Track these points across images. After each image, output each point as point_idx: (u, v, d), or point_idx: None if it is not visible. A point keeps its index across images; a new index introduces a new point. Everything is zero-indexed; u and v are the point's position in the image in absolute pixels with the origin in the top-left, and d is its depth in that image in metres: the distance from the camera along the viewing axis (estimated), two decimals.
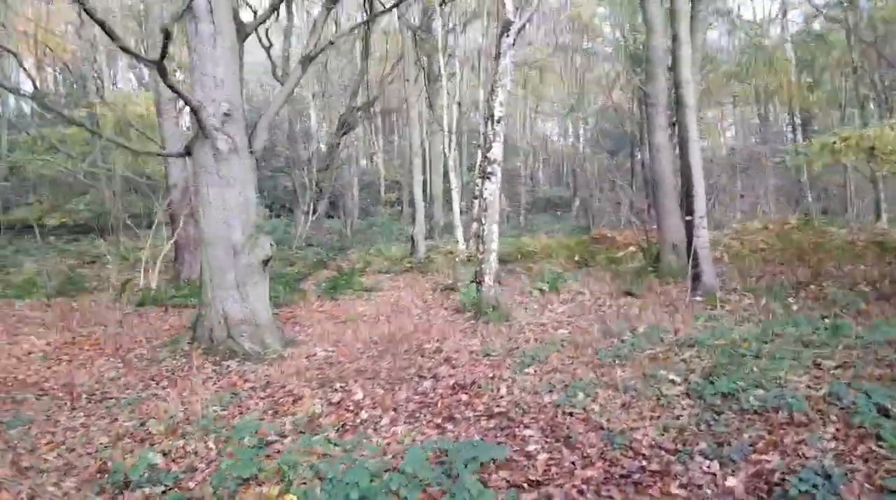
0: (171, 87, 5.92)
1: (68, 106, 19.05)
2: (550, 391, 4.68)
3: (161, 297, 9.72)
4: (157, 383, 5.40)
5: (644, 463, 3.30)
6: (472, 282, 8.77)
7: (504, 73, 8.88)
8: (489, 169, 8.68)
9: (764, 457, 3.26)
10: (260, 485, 3.04)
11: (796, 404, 3.93)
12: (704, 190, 9.75)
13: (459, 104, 21.77)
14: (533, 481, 3.14)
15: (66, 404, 4.87)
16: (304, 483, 3.02)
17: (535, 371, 5.37)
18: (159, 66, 5.48)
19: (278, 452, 3.65)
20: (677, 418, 3.95)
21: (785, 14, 18.98)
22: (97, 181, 18.81)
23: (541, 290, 10.88)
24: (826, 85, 21.30)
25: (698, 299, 9.21)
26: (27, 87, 28.61)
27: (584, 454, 3.47)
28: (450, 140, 18.94)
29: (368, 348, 6.70)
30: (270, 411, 4.54)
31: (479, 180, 9.36)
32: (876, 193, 16.91)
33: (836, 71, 20.22)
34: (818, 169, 12.52)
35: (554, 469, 3.29)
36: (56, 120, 19.19)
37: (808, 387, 4.39)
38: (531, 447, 3.60)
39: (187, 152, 6.70)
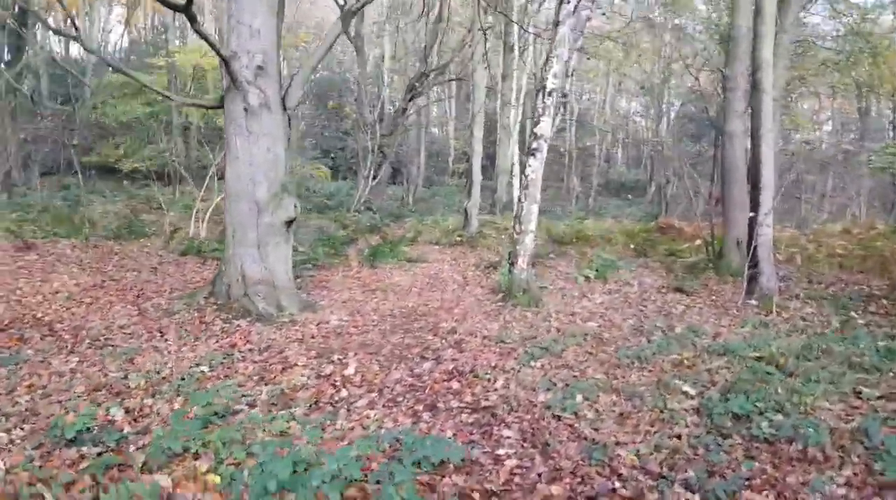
0: (199, 33, 5.81)
1: (149, 54, 19.70)
2: (548, 390, 4.36)
3: (204, 248, 9.91)
4: (162, 336, 5.43)
5: (617, 485, 2.96)
6: (508, 263, 8.43)
7: (561, 42, 8.34)
8: (534, 145, 8.24)
9: (755, 498, 2.85)
10: (197, 459, 2.92)
11: (814, 436, 3.45)
12: (774, 184, 8.93)
13: (534, 76, 21.06)
14: (487, 491, 2.87)
15: (66, 347, 4.97)
16: (237, 464, 2.88)
17: (543, 365, 5.05)
18: (187, 12, 5.38)
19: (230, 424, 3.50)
20: (676, 437, 3.56)
21: None
22: (173, 130, 19.50)
23: (587, 277, 10.40)
24: None
25: (753, 302, 8.52)
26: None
27: (557, 467, 3.16)
28: (518, 112, 18.33)
29: (384, 321, 6.54)
30: (256, 378, 4.44)
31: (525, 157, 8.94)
32: None
33: None
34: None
35: (517, 480, 3.01)
36: (140, 66, 19.97)
37: (839, 418, 3.89)
38: (502, 451, 3.32)
39: (220, 104, 6.63)
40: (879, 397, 4.23)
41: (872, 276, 11.33)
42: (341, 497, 2.50)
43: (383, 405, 3.92)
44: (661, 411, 3.96)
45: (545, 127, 8.40)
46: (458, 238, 15.52)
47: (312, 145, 29.76)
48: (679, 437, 3.54)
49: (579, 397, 4.18)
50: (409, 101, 22.89)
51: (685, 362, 5.22)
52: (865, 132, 22.62)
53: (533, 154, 8.28)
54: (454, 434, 3.49)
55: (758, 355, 5.22)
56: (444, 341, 5.80)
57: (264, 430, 3.32)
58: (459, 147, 33.46)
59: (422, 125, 29.70)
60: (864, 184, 21.13)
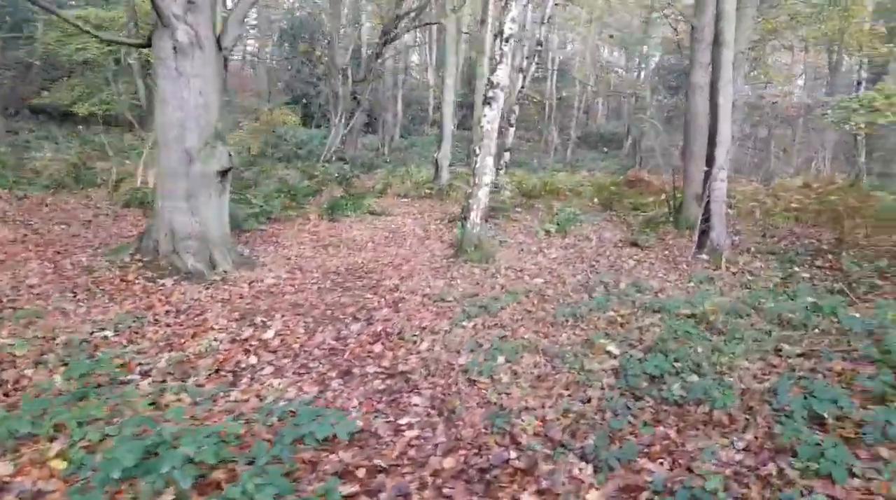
0: None
1: None
2: (472, 351, 4.29)
3: (148, 199, 9.60)
4: (74, 296, 5.21)
5: (513, 455, 2.91)
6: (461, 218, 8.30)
7: None
8: (490, 93, 7.97)
9: (649, 466, 2.82)
10: (52, 441, 2.77)
11: (721, 399, 3.43)
12: (730, 138, 8.79)
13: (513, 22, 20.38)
14: (375, 467, 2.80)
15: None
16: (90, 447, 2.74)
17: (476, 325, 4.97)
18: None
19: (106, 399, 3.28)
20: (587, 401, 3.52)
21: None
22: (133, 72, 18.68)
23: (547, 231, 10.33)
24: None
25: (703, 257, 8.52)
26: None
27: (456, 437, 3.10)
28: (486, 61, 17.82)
29: (325, 278, 6.40)
30: (163, 343, 4.29)
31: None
32: None
33: None
34: (858, 127, 11.18)
35: (411, 453, 2.94)
36: (97, 2, 18.95)
37: (755, 377, 3.87)
38: (405, 421, 3.25)
39: (148, 42, 6.22)
40: (799, 355, 4.23)
41: (826, 230, 11.39)
42: (195, 483, 2.37)
43: (294, 372, 3.82)
44: (580, 373, 3.92)
45: (502, 75, 8.11)
46: (428, 191, 15.31)
47: (283, 91, 28.94)
48: (590, 400, 3.49)
49: (501, 359, 4.12)
50: (384, 45, 22.21)
51: (619, 319, 5.19)
52: (835, 87, 22.44)
53: (489, 103, 8.02)
54: (360, 403, 3.41)
55: (690, 312, 5.19)
56: (382, 299, 5.70)
57: (151, 405, 3.18)
58: (439, 96, 32.63)
59: (399, 71, 28.90)
60: (829, 138, 21.09)
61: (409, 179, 16.58)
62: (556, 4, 18.91)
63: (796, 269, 7.74)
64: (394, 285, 6.21)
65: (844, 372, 3.92)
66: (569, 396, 3.59)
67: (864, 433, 3.06)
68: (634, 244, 9.44)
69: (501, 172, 16.76)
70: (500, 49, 8.15)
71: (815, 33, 18.45)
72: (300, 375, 3.79)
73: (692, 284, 7.04)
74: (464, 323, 4.95)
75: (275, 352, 4.17)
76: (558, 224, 10.53)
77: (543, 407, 3.42)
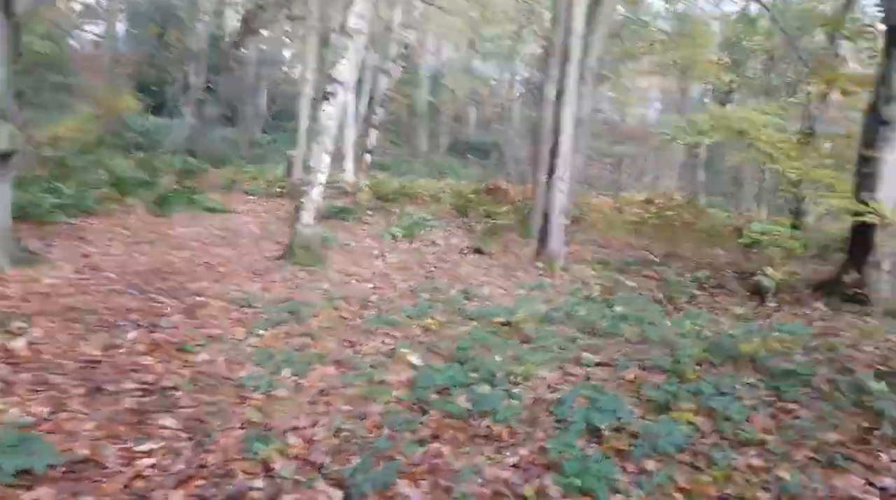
0: None
1: None
2: (259, 363, 3.89)
3: None
4: None
5: (258, 485, 2.54)
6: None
7: None
8: (330, 88, 7.59)
9: (406, 489, 2.57)
10: None
11: (505, 411, 3.29)
12: (570, 150, 9.05)
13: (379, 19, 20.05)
14: None
15: None
16: None
17: (278, 333, 4.56)
18: None
19: None
20: (364, 417, 3.24)
21: None
22: None
23: (394, 235, 10.11)
24: (747, 69, 21.01)
25: (540, 264, 8.69)
26: None
27: (201, 464, 2.68)
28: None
29: (121, 279, 5.69)
30: None
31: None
32: (760, 181, 16.97)
33: (758, 56, 19.90)
34: (684, 146, 12.06)
35: (138, 485, 2.46)
36: None
37: (549, 387, 3.80)
38: (145, 447, 2.77)
39: None
40: (598, 364, 4.25)
41: (661, 242, 12.16)
42: None
43: (28, 389, 3.21)
44: (370, 386, 3.65)
45: (343, 70, 7.76)
46: (280, 189, 14.60)
47: (132, 76, 26.67)
48: (365, 417, 3.21)
49: (287, 372, 3.75)
50: (245, 35, 21.10)
51: (434, 327, 5.00)
52: (684, 110, 24.36)
53: (327, 98, 7.63)
54: (97, 426, 2.90)
55: (505, 320, 5.13)
56: (179, 304, 5.12)
57: None
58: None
59: (264, 63, 27.58)
60: (676, 158, 22.86)
61: (262, 176, 15.74)
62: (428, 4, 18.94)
63: (622, 278, 8.05)
64: (200, 289, 5.65)
65: (636, 381, 3.96)
66: (348, 412, 3.29)
67: (636, 446, 3.03)
68: (478, 251, 9.46)
69: (360, 174, 16.41)
70: (343, 43, 7.80)
71: (668, 59, 19.84)
72: (35, 392, 3.19)
73: (523, 291, 7.08)
74: (261, 331, 4.52)
75: (17, 364, 3.52)
76: (406, 229, 10.35)
77: (315, 426, 3.10)
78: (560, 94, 8.95)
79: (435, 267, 8.09)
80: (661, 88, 27.79)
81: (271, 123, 27.81)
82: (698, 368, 4.10)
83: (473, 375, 3.78)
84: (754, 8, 19.99)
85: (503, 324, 5.06)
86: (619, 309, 6.14)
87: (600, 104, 25.59)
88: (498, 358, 4.03)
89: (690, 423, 3.32)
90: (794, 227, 16.12)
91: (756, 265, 8.47)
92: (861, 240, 7.47)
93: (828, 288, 7.88)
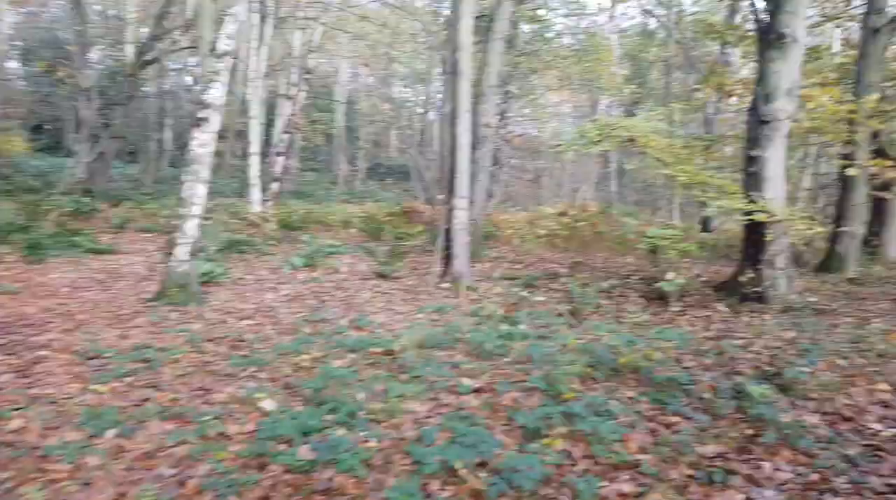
0: None
1: None
2: (79, 426, 3.35)
3: None
4: None
5: None
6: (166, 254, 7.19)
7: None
8: (202, 114, 7.08)
9: None
10: None
11: (351, 459, 2.89)
12: (468, 167, 8.84)
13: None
14: None
15: None
16: None
17: (118, 387, 4.00)
18: None
19: None
20: (183, 483, 2.77)
21: (613, 4, 18.87)
22: None
23: (294, 265, 9.59)
24: (649, 81, 21.73)
25: (445, 286, 8.38)
26: None
27: None
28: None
29: None
30: None
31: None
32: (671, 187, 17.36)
33: (657, 68, 20.59)
34: (573, 156, 12.15)
35: None
36: None
37: (416, 422, 3.43)
38: None
39: None
40: (476, 390, 3.92)
41: (573, 254, 12.13)
42: None
43: None
44: (208, 441, 3.18)
45: (216, 94, 7.26)
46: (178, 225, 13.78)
47: (27, 115, 25.10)
48: (184, 484, 2.75)
49: (111, 434, 3.23)
50: (141, 67, 20.13)
51: (307, 364, 4.56)
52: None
53: (199, 125, 7.11)
54: None
55: (385, 349, 4.74)
56: (16, 361, 4.48)
57: None
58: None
59: (168, 95, 26.49)
60: (592, 170, 23.27)
61: (160, 214, 14.87)
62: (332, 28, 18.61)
63: (530, 293, 7.82)
64: (47, 341, 5.00)
65: (513, 405, 3.65)
66: (169, 478, 2.81)
67: (492, 484, 2.69)
68: (382, 276, 9.07)
69: (268, 203, 15.78)
70: (214, 66, 7.33)
71: (573, 74, 20.18)
72: None
73: (421, 315, 6.73)
74: (99, 386, 3.96)
75: None
76: (308, 257, 9.86)
77: (123, 498, 2.61)
78: (454, 111, 8.75)
79: (331, 296, 7.63)
80: (573, 103, 28.39)
81: (178, 157, 26.66)
82: (579, 385, 3.83)
83: (329, 417, 3.37)
84: (652, 22, 20.81)
85: (384, 354, 4.67)
86: (521, 327, 5.91)
87: (517, 120, 25.92)
88: (361, 395, 3.63)
89: (562, 449, 3.02)
90: (704, 229, 16.67)
91: (662, 271, 8.45)
92: (754, 239, 7.54)
93: (728, 288, 7.92)
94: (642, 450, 3.08)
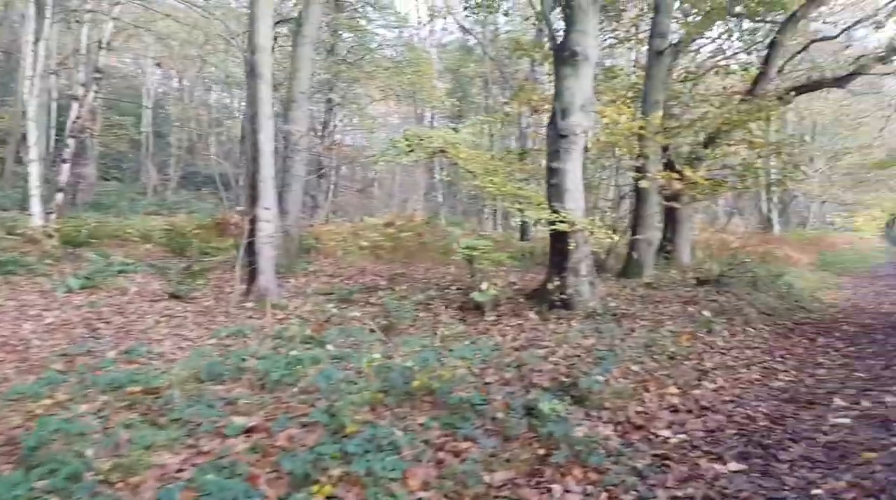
0: None
1: None
2: None
3: None
4: None
5: None
6: None
7: None
8: None
9: None
10: None
11: None
12: (272, 175, 8.21)
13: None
14: None
15: None
16: None
17: None
18: None
19: None
20: None
21: (432, 19, 19.21)
22: None
23: (69, 288, 8.24)
24: (469, 95, 22.38)
25: (250, 304, 7.65)
26: None
27: None
28: (31, 85, 14.55)
29: None
30: None
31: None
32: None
33: (476, 83, 21.25)
34: (403, 166, 12.14)
35: None
36: None
37: (163, 478, 2.81)
38: None
39: None
40: (248, 430, 3.37)
41: (396, 265, 11.90)
42: None
43: None
44: None
45: None
46: None
47: None
48: None
49: None
50: None
51: (43, 412, 3.68)
52: None
53: None
54: None
55: (145, 387, 4.00)
56: None
57: None
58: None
59: None
60: (421, 180, 23.46)
61: None
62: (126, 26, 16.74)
63: (344, 309, 7.37)
64: None
65: (288, 445, 3.16)
66: None
67: None
68: (176, 296, 8.08)
69: (52, 215, 13.69)
70: None
71: (395, 84, 20.15)
72: None
73: (214, 340, 5.98)
74: None
75: None
76: (88, 278, 8.55)
77: None
78: (254, 116, 8.06)
79: (107, 323, 6.57)
80: (400, 114, 28.55)
81: None
82: (368, 415, 3.45)
83: (41, 484, 2.63)
84: (470, 38, 21.47)
85: (146, 392, 3.93)
86: (328, 347, 5.45)
87: (347, 130, 25.44)
88: (90, 452, 2.92)
89: (330, 497, 2.60)
90: (523, 238, 17.38)
91: (480, 281, 8.44)
92: (558, 247, 7.75)
93: (539, 296, 8.08)
94: (425, 486, 2.76)
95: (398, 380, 3.67)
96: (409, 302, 7.81)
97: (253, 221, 7.92)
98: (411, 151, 7.33)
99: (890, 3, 11.47)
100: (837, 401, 4.72)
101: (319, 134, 18.89)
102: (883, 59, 11.24)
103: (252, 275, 7.87)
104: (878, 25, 11.77)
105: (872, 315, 9.57)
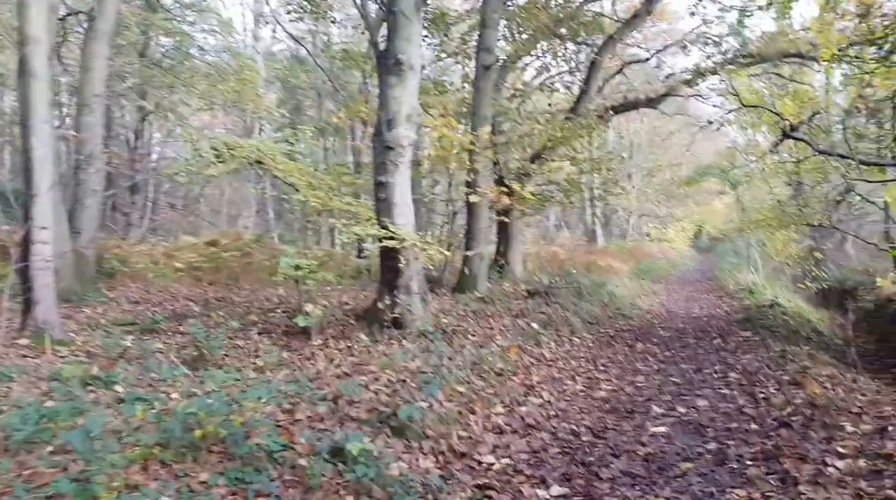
0: None
1: None
2: None
3: None
4: None
5: None
6: None
7: None
8: None
9: None
10: None
11: None
12: (47, 189, 6.96)
13: None
14: None
15: None
16: None
17: None
18: None
19: None
20: None
21: (257, 24, 18.26)
22: None
23: None
24: (303, 107, 21.61)
25: (25, 339, 6.40)
26: None
27: None
28: None
29: None
30: None
31: None
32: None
33: (309, 93, 20.55)
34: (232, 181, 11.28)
35: None
36: None
37: None
38: None
39: None
40: None
41: (217, 288, 10.90)
42: None
43: None
44: None
45: None
46: None
47: None
48: None
49: None
50: None
51: None
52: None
53: None
54: None
55: None
56: None
57: None
58: None
59: None
60: (251, 195, 22.10)
61: None
62: None
63: (130, 343, 6.39)
64: None
65: None
66: None
67: None
68: None
69: None
70: None
71: (216, 94, 18.75)
72: None
73: None
74: None
75: None
76: None
77: None
78: (25, 121, 6.78)
79: None
80: (228, 126, 26.79)
81: None
82: (137, 476, 2.79)
83: None
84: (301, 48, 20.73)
85: None
86: (117, 388, 4.62)
87: (168, 141, 23.35)
88: None
89: None
90: (359, 254, 16.91)
91: (307, 302, 7.86)
92: (389, 264, 7.42)
93: (369, 316, 7.68)
94: None
95: (179, 430, 3.04)
96: (223, 330, 7.01)
97: (25, 243, 6.64)
98: (221, 161, 6.57)
99: (694, 29, 12.81)
100: (655, 408, 4.84)
101: (132, 145, 17.06)
102: (689, 83, 12.44)
103: (27, 306, 6.60)
104: (686, 49, 13.07)
105: (684, 320, 10.38)
